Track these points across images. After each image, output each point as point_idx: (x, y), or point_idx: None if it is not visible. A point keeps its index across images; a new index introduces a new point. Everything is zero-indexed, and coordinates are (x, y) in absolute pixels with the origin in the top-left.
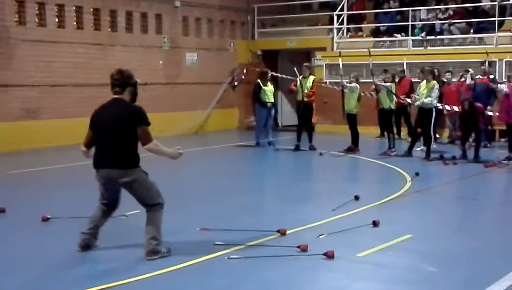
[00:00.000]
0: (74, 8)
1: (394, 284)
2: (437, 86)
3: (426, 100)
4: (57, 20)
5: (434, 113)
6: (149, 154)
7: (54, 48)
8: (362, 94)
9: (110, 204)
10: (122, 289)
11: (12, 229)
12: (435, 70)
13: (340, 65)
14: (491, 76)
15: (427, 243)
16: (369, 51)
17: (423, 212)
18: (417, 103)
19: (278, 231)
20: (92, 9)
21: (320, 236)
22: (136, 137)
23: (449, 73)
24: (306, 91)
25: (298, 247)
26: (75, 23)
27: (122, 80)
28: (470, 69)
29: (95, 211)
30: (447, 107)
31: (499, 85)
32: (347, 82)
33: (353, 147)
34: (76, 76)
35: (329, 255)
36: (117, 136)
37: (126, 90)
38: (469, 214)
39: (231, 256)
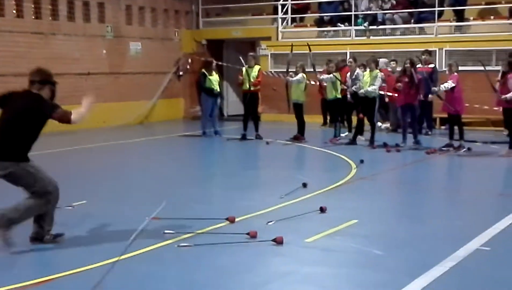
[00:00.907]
0: None
1: (341, 267)
2: (380, 74)
3: (369, 89)
4: None
5: (377, 102)
6: (98, 145)
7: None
8: (307, 82)
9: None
10: (72, 279)
11: None
12: (378, 59)
13: (290, 55)
14: (432, 65)
15: (373, 228)
16: (309, 46)
17: (368, 198)
18: (361, 91)
19: (227, 219)
20: None
21: (269, 223)
22: (30, 132)
23: (394, 62)
24: (252, 80)
25: (248, 234)
26: (15, 11)
27: (42, 78)
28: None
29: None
30: (389, 94)
31: (441, 86)
32: (291, 74)
33: (299, 136)
34: (17, 66)
35: (278, 241)
36: (10, 128)
37: (45, 87)
38: (413, 199)
39: (181, 244)
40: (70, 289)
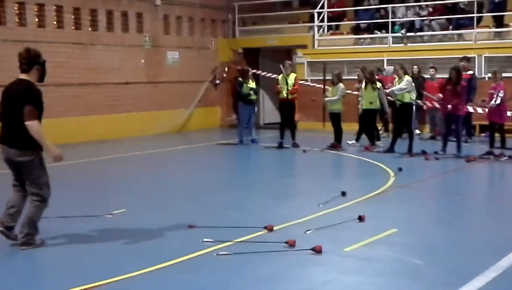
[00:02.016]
0: (54, 7)
1: (381, 277)
2: (407, 78)
3: (395, 88)
4: (37, 19)
5: (413, 109)
6: (137, 154)
7: (34, 48)
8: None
9: (23, 186)
10: (112, 287)
11: None
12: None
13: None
14: (470, 72)
15: (412, 237)
16: None
17: (407, 206)
18: (388, 91)
19: (265, 227)
20: (72, 8)
21: (307, 232)
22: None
23: (433, 69)
24: (289, 88)
25: (286, 242)
26: (55, 23)
27: (29, 59)
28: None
29: (13, 197)
30: (428, 104)
31: (492, 103)
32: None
33: (336, 144)
34: (57, 76)
35: (317, 250)
36: (13, 115)
37: (33, 68)
38: (453, 208)
39: (220, 253)
40: None
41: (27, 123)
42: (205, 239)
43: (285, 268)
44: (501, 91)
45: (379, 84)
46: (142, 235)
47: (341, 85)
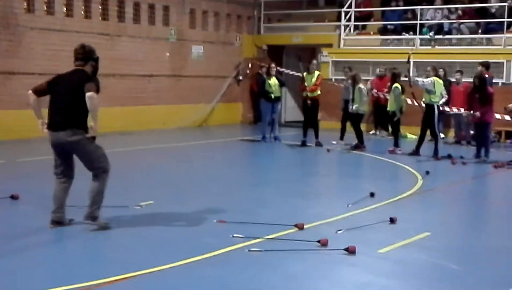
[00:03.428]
0: None
1: (418, 281)
2: (431, 78)
3: (417, 78)
4: (65, 8)
5: (436, 110)
6: (160, 147)
7: (61, 37)
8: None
9: (65, 173)
10: (144, 279)
11: (25, 217)
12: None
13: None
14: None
15: (447, 241)
16: (409, 57)
17: (438, 210)
18: (412, 80)
19: (295, 225)
20: None
21: (339, 232)
22: (82, 105)
23: (459, 73)
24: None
25: (318, 241)
26: (83, 12)
27: (85, 55)
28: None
29: (57, 191)
30: (455, 110)
31: None
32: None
33: (359, 145)
34: None
35: (351, 251)
36: (69, 102)
37: (87, 63)
38: (485, 213)
39: (252, 249)
40: (143, 289)
41: (89, 94)
42: (235, 235)
43: (319, 268)
44: None
45: (395, 85)
46: (171, 228)
47: (361, 86)
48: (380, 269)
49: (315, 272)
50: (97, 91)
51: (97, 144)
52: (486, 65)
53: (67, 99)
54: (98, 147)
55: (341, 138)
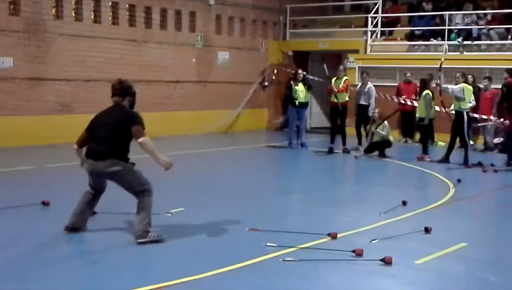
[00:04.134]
0: (110, 3)
1: None
2: (461, 85)
3: (447, 85)
4: (93, 15)
5: (465, 117)
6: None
7: (89, 43)
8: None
9: (93, 188)
10: (179, 288)
11: (55, 221)
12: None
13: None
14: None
15: (485, 252)
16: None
17: (473, 220)
18: (443, 86)
19: (328, 235)
20: (127, 5)
21: (373, 241)
22: (128, 137)
23: (487, 80)
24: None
25: (353, 251)
26: (110, 19)
27: (122, 90)
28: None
29: (81, 198)
30: (484, 117)
31: None
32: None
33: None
34: (110, 72)
35: (387, 261)
36: (111, 133)
37: (125, 99)
38: None
39: (286, 259)
40: None
41: (141, 139)
42: (268, 244)
43: (355, 278)
44: None
45: (426, 92)
46: (203, 235)
47: (386, 123)
48: (419, 281)
49: (353, 284)
50: (143, 128)
51: (136, 170)
52: (511, 72)
53: (108, 130)
54: (139, 173)
55: (359, 143)
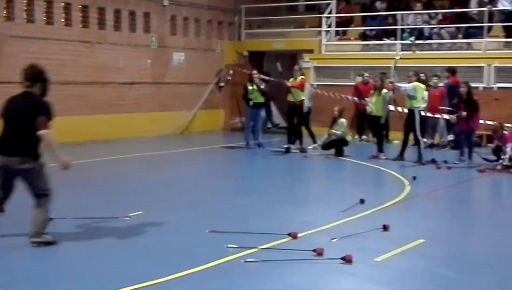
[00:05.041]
0: (63, 4)
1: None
2: (413, 84)
3: (400, 84)
4: (45, 16)
5: (417, 116)
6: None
7: (42, 45)
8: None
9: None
10: None
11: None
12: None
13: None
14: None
15: (442, 248)
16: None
17: (430, 216)
18: (395, 84)
19: (289, 234)
20: (80, 6)
21: (333, 240)
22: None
23: (436, 77)
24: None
25: (314, 251)
26: (63, 20)
27: (33, 75)
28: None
29: None
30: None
31: None
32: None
33: (342, 150)
34: (64, 74)
35: (348, 260)
36: (20, 125)
37: (36, 84)
38: (475, 218)
39: (248, 260)
40: None
41: (41, 132)
42: (229, 245)
43: (318, 278)
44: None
45: (385, 91)
46: (163, 239)
47: (344, 121)
48: (379, 278)
49: (314, 283)
50: (50, 119)
51: (46, 176)
52: (453, 71)
53: (17, 123)
54: (45, 177)
55: (314, 141)
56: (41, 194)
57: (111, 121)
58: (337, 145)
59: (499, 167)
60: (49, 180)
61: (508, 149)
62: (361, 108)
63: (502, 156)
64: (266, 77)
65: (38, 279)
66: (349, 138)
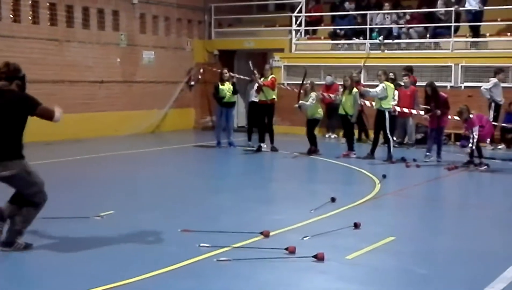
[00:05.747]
0: (30, 2)
1: (388, 287)
2: (382, 85)
3: (369, 89)
4: (12, 14)
5: (387, 115)
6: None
7: (9, 43)
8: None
9: None
10: None
11: None
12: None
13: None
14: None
15: (412, 245)
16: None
17: (400, 214)
18: (362, 90)
19: (261, 233)
20: (48, 4)
21: (305, 238)
22: (22, 127)
23: (407, 77)
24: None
25: (286, 249)
26: (30, 18)
27: (9, 73)
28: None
29: None
30: (397, 109)
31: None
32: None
33: (314, 149)
34: (32, 72)
35: (319, 258)
36: (2, 128)
37: (13, 83)
38: (445, 216)
39: (220, 259)
40: None
41: (56, 119)
42: (201, 244)
43: (289, 276)
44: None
45: (355, 90)
46: (134, 238)
47: (314, 94)
48: (351, 276)
49: (286, 281)
50: (42, 104)
51: (33, 174)
52: (410, 70)
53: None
54: (34, 181)
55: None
56: (29, 201)
57: (80, 120)
58: (309, 126)
59: (468, 150)
60: (39, 182)
61: (474, 134)
62: (328, 102)
63: (469, 140)
64: (236, 75)
65: (5, 280)
66: (319, 112)
